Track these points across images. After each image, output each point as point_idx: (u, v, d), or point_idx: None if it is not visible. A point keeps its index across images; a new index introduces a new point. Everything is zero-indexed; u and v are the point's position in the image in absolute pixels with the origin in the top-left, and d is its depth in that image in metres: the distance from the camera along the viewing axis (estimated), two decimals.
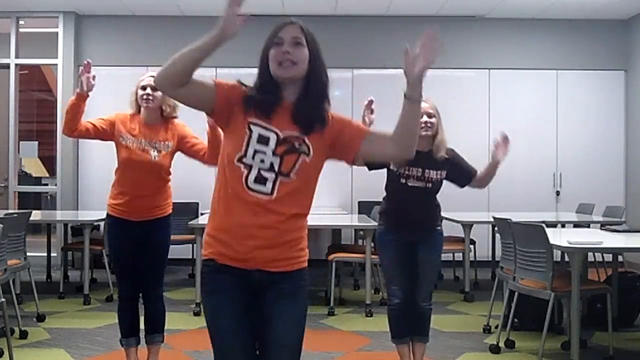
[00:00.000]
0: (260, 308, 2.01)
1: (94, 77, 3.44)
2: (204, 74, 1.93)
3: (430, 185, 3.53)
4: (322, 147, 2.02)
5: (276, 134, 1.97)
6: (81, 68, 3.44)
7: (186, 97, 1.99)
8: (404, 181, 3.52)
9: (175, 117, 3.58)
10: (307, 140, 1.99)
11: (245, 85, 2.05)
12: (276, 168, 1.96)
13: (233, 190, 1.97)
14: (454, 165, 3.60)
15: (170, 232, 3.70)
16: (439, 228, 3.65)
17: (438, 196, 3.65)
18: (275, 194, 1.95)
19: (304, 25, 2.03)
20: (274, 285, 2.00)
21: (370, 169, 3.68)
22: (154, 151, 3.50)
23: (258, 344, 2.04)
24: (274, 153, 1.96)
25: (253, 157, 1.96)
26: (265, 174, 1.96)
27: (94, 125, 3.52)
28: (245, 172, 1.96)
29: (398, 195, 3.58)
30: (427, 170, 3.51)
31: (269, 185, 1.95)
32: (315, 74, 2.01)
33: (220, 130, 2.15)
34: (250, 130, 1.97)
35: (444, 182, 3.63)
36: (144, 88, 3.48)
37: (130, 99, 3.58)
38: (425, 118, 3.51)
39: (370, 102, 3.18)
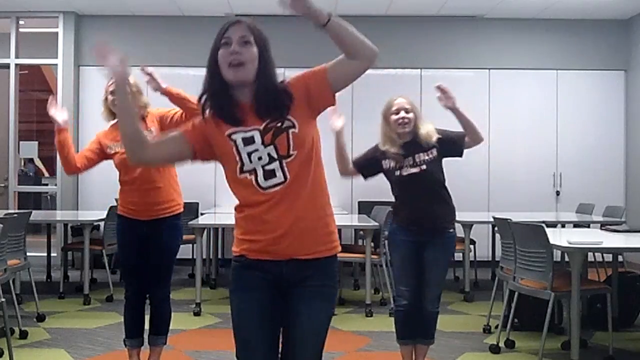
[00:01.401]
0: (287, 304, 2.02)
1: (62, 108, 3.57)
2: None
3: (424, 167, 3.45)
4: (302, 113, 2.00)
5: (257, 129, 1.98)
6: (48, 105, 3.52)
7: (162, 156, 2.12)
8: (398, 173, 3.48)
9: (147, 114, 3.59)
10: (285, 116, 1.98)
11: (203, 111, 2.05)
12: (275, 156, 1.97)
13: (250, 198, 1.99)
14: (440, 139, 3.50)
15: (180, 234, 3.71)
16: (451, 230, 3.56)
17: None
18: (288, 178, 1.96)
19: (252, 23, 2.02)
20: (303, 280, 2.00)
21: (365, 177, 3.68)
22: None
23: (282, 339, 2.05)
24: (265, 145, 1.97)
25: (250, 160, 1.97)
26: (269, 167, 1.97)
27: (92, 151, 3.60)
28: (253, 177, 1.97)
29: (400, 190, 3.53)
30: (416, 155, 3.48)
31: (279, 173, 1.97)
32: (265, 71, 1.99)
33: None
34: (233, 140, 1.98)
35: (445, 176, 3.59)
36: (113, 93, 3.49)
37: (102, 107, 3.62)
38: (402, 114, 3.49)
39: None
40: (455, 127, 3.58)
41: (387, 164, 3.53)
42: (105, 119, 3.65)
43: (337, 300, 5.70)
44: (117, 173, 3.61)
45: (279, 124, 1.98)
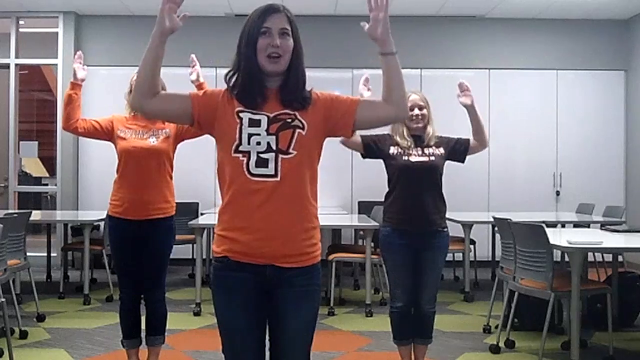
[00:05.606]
0: (273, 305, 2.01)
1: (84, 67, 3.64)
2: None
3: (433, 158, 3.49)
4: (315, 122, 2.02)
5: (266, 115, 1.98)
6: (75, 57, 3.62)
7: (163, 110, 2.06)
8: (406, 158, 3.48)
9: None
10: (298, 116, 2.00)
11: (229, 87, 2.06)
12: (274, 147, 1.95)
13: (237, 183, 1.96)
14: (447, 141, 3.59)
15: (173, 235, 3.70)
16: (445, 230, 3.57)
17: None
18: (279, 174, 1.94)
19: (289, 13, 2.04)
20: (288, 281, 1.99)
21: (364, 157, 3.64)
22: (152, 137, 3.54)
23: (269, 340, 2.04)
24: (268, 133, 1.96)
25: (249, 142, 1.95)
26: (264, 155, 1.95)
27: (98, 122, 3.60)
28: (245, 159, 1.95)
29: (402, 177, 3.48)
30: (425, 149, 3.52)
31: (271, 165, 1.95)
32: (297, 63, 2.04)
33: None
34: (240, 118, 1.98)
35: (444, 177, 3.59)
36: None
37: (125, 98, 3.61)
38: (416, 111, 3.52)
39: (367, 79, 3.27)
40: (455, 131, 3.65)
41: (394, 149, 3.53)
42: (127, 112, 3.62)
43: (334, 300, 5.71)
44: (116, 167, 3.59)
45: (290, 119, 1.98)
